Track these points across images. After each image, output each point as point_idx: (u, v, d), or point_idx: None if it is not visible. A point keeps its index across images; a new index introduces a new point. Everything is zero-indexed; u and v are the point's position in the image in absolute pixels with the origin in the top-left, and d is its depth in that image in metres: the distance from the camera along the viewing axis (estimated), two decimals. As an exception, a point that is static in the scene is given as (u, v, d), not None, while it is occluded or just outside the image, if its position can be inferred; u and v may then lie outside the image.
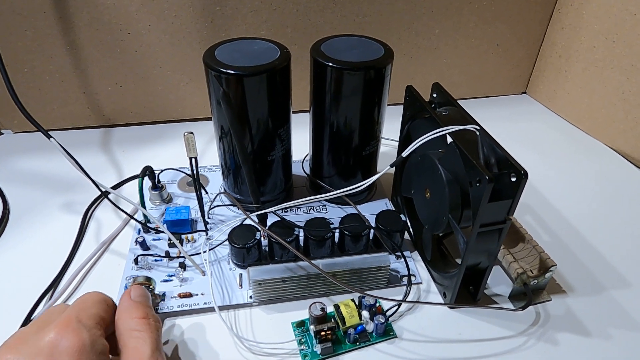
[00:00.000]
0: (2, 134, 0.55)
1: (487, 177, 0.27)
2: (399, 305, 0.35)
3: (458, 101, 0.36)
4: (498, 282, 0.38)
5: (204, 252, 0.38)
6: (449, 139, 0.32)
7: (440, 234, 0.40)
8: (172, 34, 0.51)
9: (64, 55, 0.50)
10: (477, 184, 0.29)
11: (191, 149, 0.36)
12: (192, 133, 0.35)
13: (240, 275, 0.37)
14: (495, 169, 0.31)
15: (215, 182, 0.48)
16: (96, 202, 0.45)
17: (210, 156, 0.52)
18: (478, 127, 0.32)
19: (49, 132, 0.38)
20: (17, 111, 0.40)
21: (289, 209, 0.44)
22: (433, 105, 0.38)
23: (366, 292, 0.33)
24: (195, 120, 0.59)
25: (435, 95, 0.39)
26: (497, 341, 0.34)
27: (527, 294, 0.35)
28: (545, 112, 0.64)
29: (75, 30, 0.49)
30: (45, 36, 0.48)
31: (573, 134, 0.60)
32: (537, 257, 0.36)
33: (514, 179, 0.29)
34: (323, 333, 0.32)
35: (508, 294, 0.37)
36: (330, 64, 0.36)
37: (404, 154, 0.33)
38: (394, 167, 0.41)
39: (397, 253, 0.39)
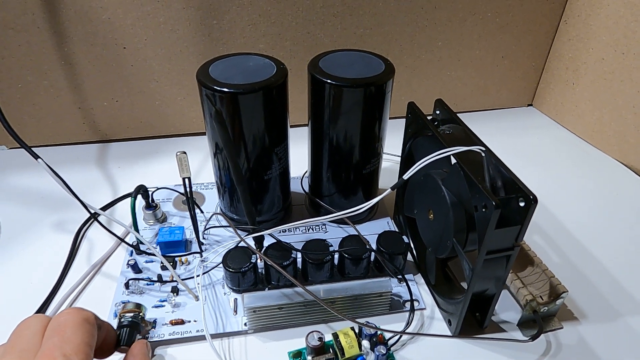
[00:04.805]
0: (-3, 149, 0.54)
1: (493, 203, 0.26)
2: (401, 335, 0.33)
3: (462, 114, 0.35)
4: (506, 308, 0.36)
5: (198, 276, 0.37)
6: (453, 160, 0.31)
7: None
8: (169, 48, 0.50)
9: (58, 70, 0.49)
10: (483, 209, 0.27)
11: (184, 169, 0.35)
12: (184, 153, 0.34)
13: (235, 300, 0.36)
14: (502, 193, 0.29)
15: (212, 199, 0.46)
16: (89, 221, 0.44)
17: (208, 172, 0.51)
18: (484, 148, 0.30)
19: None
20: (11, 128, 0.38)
21: (287, 229, 0.43)
22: (436, 123, 0.37)
23: (366, 322, 0.31)
24: (193, 135, 0.58)
25: (438, 112, 0.37)
26: (506, 373, 0.32)
27: (537, 322, 0.33)
28: (553, 125, 0.63)
29: (69, 45, 0.48)
30: (39, 51, 0.47)
31: (582, 149, 0.58)
32: (547, 282, 0.35)
33: (522, 204, 0.27)
34: (321, 365, 0.30)
35: (517, 321, 0.35)
36: (329, 81, 0.35)
37: (405, 177, 0.32)
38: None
39: (398, 276, 0.37)
